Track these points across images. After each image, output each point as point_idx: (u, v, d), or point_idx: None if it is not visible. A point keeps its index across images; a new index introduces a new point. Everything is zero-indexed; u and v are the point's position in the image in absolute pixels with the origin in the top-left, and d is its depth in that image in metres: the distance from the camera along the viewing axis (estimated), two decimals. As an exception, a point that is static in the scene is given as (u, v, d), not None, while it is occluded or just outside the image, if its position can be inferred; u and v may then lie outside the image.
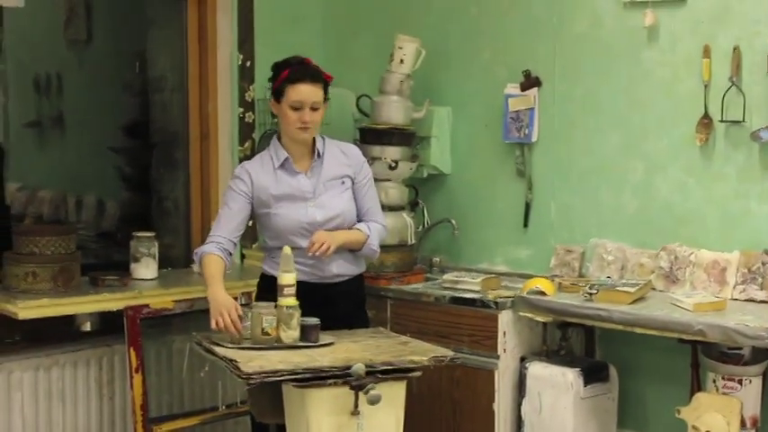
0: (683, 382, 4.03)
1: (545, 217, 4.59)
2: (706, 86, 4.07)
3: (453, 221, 4.82)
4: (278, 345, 3.47)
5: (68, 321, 4.29)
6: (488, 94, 4.72)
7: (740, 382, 3.75)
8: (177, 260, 4.96)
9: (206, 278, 3.66)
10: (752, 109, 3.96)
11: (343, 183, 3.81)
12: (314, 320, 3.53)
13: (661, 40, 4.21)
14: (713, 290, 4.00)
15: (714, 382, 3.79)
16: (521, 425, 4.16)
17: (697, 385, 3.95)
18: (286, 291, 3.51)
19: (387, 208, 4.41)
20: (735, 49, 3.99)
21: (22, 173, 6.59)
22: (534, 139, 4.58)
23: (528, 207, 4.63)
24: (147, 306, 4.15)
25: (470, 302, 4.25)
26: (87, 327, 4.39)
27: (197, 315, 4.15)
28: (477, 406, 4.20)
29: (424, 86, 4.82)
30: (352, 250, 3.83)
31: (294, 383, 3.26)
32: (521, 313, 4.13)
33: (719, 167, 4.09)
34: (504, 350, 4.16)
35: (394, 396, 3.36)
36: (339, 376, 3.26)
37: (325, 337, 3.55)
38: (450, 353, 3.55)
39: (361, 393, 3.25)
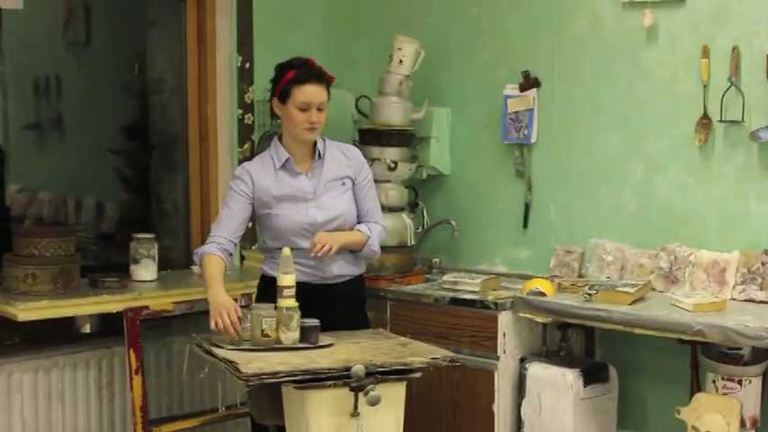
0: (682, 382, 4.03)
1: (544, 217, 4.59)
2: (705, 87, 4.07)
3: (453, 222, 4.82)
4: (277, 346, 3.47)
5: (68, 323, 4.29)
6: (488, 94, 4.72)
7: (740, 382, 3.74)
8: (177, 262, 4.96)
9: (206, 278, 3.66)
10: (751, 109, 3.96)
11: (343, 184, 3.82)
12: (313, 322, 3.53)
13: (660, 40, 4.21)
14: (713, 290, 4.00)
15: (714, 382, 3.79)
16: (520, 425, 4.16)
17: (697, 385, 3.94)
18: (285, 292, 3.51)
19: (386, 209, 4.41)
20: (734, 49, 3.99)
21: (22, 174, 6.59)
22: (533, 139, 4.58)
23: (527, 208, 4.63)
24: (146, 308, 4.15)
25: (470, 303, 4.25)
26: (87, 328, 4.39)
27: (197, 317, 4.15)
28: (477, 407, 4.20)
29: (424, 87, 4.82)
30: (352, 251, 3.84)
31: (294, 385, 3.26)
32: (520, 314, 4.13)
33: (719, 167, 4.09)
34: (504, 351, 4.16)
35: (394, 397, 3.36)
36: (339, 377, 3.26)
37: (324, 339, 3.55)
38: (449, 354, 3.55)
39: (360, 394, 3.25)
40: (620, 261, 4.30)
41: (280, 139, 3.83)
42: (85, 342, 4.37)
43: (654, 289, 4.13)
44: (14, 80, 6.78)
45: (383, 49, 4.77)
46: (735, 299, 3.96)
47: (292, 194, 3.76)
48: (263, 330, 3.47)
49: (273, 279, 3.60)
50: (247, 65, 5.02)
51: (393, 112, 4.69)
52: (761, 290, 3.93)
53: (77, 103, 6.39)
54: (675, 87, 4.18)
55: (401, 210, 4.74)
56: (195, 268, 4.63)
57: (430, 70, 4.80)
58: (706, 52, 4.06)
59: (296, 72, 3.71)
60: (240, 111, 5.01)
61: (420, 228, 4.86)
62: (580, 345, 4.39)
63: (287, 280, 3.51)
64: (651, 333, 3.77)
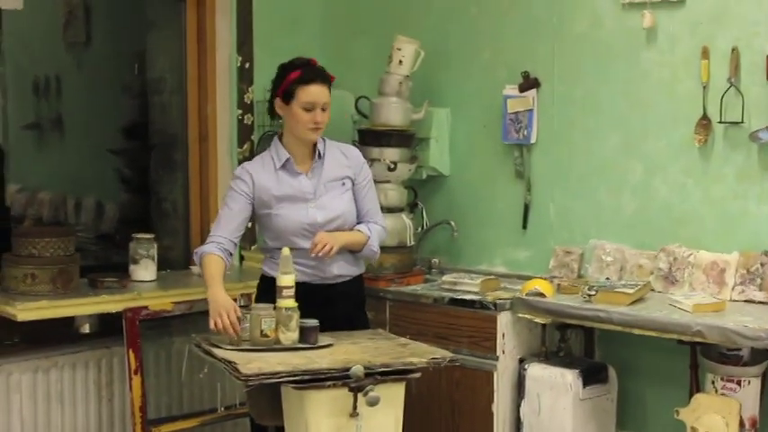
0: (681, 383, 4.03)
1: (544, 218, 4.59)
2: (705, 87, 4.07)
3: (452, 223, 4.82)
4: (277, 346, 3.47)
5: (67, 323, 4.29)
6: (487, 95, 4.72)
7: (739, 383, 3.74)
8: (176, 262, 4.96)
9: (206, 278, 3.66)
10: (750, 110, 3.96)
11: (343, 184, 3.82)
12: (313, 322, 3.53)
13: (660, 41, 4.21)
14: (712, 291, 4.00)
15: (713, 383, 3.79)
16: (520, 426, 4.16)
17: (696, 386, 3.94)
18: (285, 292, 3.51)
19: (386, 209, 4.40)
20: (733, 50, 3.99)
21: (22, 175, 6.60)
22: (533, 140, 4.58)
23: (527, 208, 4.63)
24: (145, 308, 4.15)
25: (469, 304, 4.24)
26: (86, 328, 4.39)
27: (196, 317, 4.15)
28: (476, 407, 4.20)
29: (423, 88, 4.82)
30: (352, 251, 3.84)
31: (293, 385, 3.26)
32: (520, 314, 4.13)
33: (718, 168, 4.09)
34: (503, 351, 4.16)
35: (393, 397, 3.36)
36: (338, 378, 3.26)
37: (323, 339, 3.55)
38: (449, 354, 3.55)
39: (360, 395, 3.25)
40: (620, 262, 4.30)
41: (280, 139, 3.83)
42: (85, 342, 4.36)
43: (653, 290, 4.13)
44: (14, 80, 6.79)
45: (383, 50, 4.77)
46: (734, 300, 3.95)
47: (292, 194, 3.76)
48: (262, 331, 3.47)
49: (273, 279, 3.60)
50: (247, 65, 5.02)
51: (392, 113, 4.69)
52: (760, 291, 3.93)
53: (77, 104, 6.39)
54: (675, 88, 4.18)
55: (400, 210, 4.74)
56: (194, 268, 4.64)
57: (429, 71, 4.80)
58: (705, 53, 4.06)
59: (300, 72, 3.72)
60: (240, 111, 5.01)
61: (419, 228, 4.86)
62: (579, 345, 4.39)
63: (286, 280, 3.51)
64: (650, 334, 3.77)
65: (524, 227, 4.64)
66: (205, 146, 4.97)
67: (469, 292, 4.33)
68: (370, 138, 4.70)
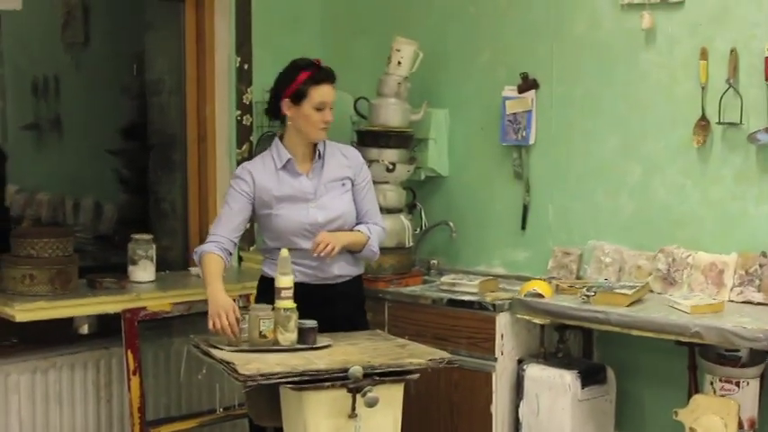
0: (680, 384, 4.03)
1: (543, 219, 4.59)
2: (703, 89, 4.07)
3: (451, 224, 4.82)
4: (275, 347, 3.47)
5: (66, 324, 4.28)
6: (486, 96, 4.72)
7: (738, 384, 3.74)
8: (175, 262, 4.96)
9: (205, 277, 3.66)
10: (749, 111, 3.97)
11: (343, 184, 3.83)
12: (311, 323, 3.53)
13: (658, 42, 4.21)
14: (711, 292, 4.00)
15: (711, 384, 3.79)
16: (518, 427, 4.16)
17: (694, 387, 3.95)
18: (283, 293, 3.51)
19: (384, 210, 4.40)
20: (732, 51, 4.00)
21: (21, 175, 6.60)
22: (532, 141, 4.58)
23: (525, 209, 4.63)
24: (144, 308, 4.15)
25: (468, 305, 4.24)
26: (85, 329, 4.39)
27: (195, 317, 4.15)
28: (475, 408, 4.20)
29: (422, 89, 4.82)
30: (352, 252, 3.84)
31: (292, 386, 3.26)
32: (518, 315, 4.13)
33: (717, 169, 4.09)
34: (502, 352, 4.16)
35: (391, 398, 3.36)
36: (337, 379, 3.26)
37: (322, 340, 3.55)
38: (447, 355, 3.55)
39: (358, 396, 3.25)
40: (618, 263, 4.30)
41: (280, 140, 3.84)
42: (83, 343, 4.36)
43: (652, 291, 4.13)
44: (13, 81, 6.79)
45: (382, 51, 4.78)
46: (732, 301, 3.95)
47: (293, 195, 3.76)
48: (260, 331, 3.47)
49: (273, 280, 3.60)
50: (246, 66, 5.02)
51: (391, 114, 4.69)
52: (758, 291, 3.93)
53: (76, 104, 6.39)
54: (674, 89, 4.18)
55: (399, 211, 4.74)
56: (193, 269, 4.64)
57: (428, 72, 4.80)
58: (704, 54, 4.06)
59: (311, 73, 3.74)
60: (238, 112, 5.01)
61: (418, 229, 4.86)
62: (578, 346, 4.39)
63: (285, 281, 3.51)
64: (649, 335, 3.77)
65: (523, 228, 4.65)
66: (204, 146, 4.97)
67: (468, 293, 4.33)
68: (368, 139, 4.70)
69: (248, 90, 5.03)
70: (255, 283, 3.99)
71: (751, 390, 3.77)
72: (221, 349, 3.47)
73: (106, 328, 4.33)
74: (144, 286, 4.36)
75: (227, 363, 3.34)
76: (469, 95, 4.81)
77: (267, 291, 3.67)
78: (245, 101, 5.02)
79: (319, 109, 3.73)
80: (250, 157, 4.81)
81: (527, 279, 4.35)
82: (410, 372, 3.40)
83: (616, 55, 4.33)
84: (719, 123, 4.03)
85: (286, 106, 3.76)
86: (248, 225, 3.92)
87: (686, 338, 3.68)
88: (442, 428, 4.30)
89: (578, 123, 4.46)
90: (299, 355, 3.42)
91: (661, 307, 3.88)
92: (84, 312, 4.19)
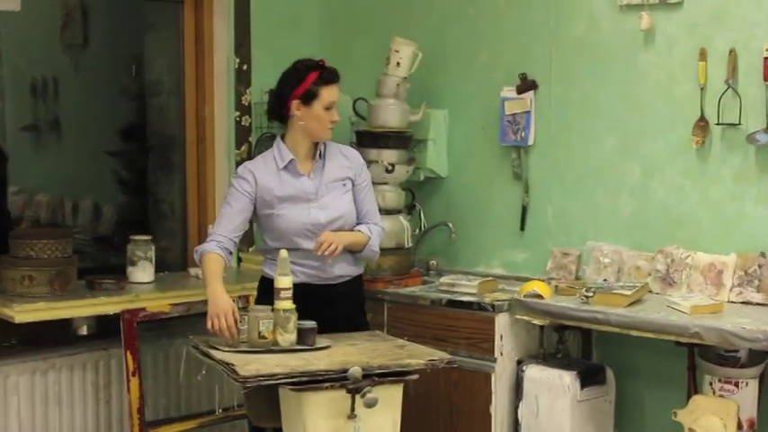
0: (679, 384, 4.03)
1: (542, 220, 4.59)
2: (702, 89, 4.07)
3: (450, 224, 4.82)
4: (275, 348, 3.47)
5: (65, 325, 4.29)
6: (485, 96, 4.72)
7: (737, 384, 3.75)
8: (174, 263, 4.96)
9: (205, 276, 3.66)
10: (748, 111, 3.97)
11: (344, 185, 3.84)
12: (311, 324, 3.53)
13: (657, 43, 4.21)
14: (710, 292, 4.00)
15: (711, 384, 3.79)
16: (518, 428, 4.16)
17: (694, 388, 3.95)
18: (282, 294, 3.51)
19: (384, 211, 4.40)
20: (731, 51, 4.00)
21: (19, 176, 6.57)
22: (531, 142, 4.58)
23: (524, 210, 4.63)
24: (143, 309, 4.15)
25: (467, 305, 4.24)
26: (84, 330, 4.39)
27: (194, 318, 4.15)
28: (474, 409, 4.20)
29: (421, 89, 4.82)
30: (352, 252, 3.85)
31: (291, 387, 3.26)
32: (517, 316, 4.13)
33: (716, 170, 4.09)
34: (501, 353, 4.16)
35: (391, 399, 3.36)
36: (336, 379, 3.26)
37: (321, 341, 3.55)
38: (446, 356, 3.55)
39: (357, 397, 3.25)
40: (617, 263, 4.30)
41: (282, 140, 3.84)
42: (82, 344, 4.36)
43: (651, 291, 4.13)
44: (12, 82, 6.77)
45: (381, 52, 4.78)
46: (732, 301, 3.95)
47: (295, 195, 3.77)
48: (260, 332, 3.47)
49: (273, 281, 3.60)
50: (245, 67, 5.02)
51: (390, 115, 4.70)
52: (758, 292, 3.93)
53: (75, 105, 6.38)
54: (672, 90, 4.18)
55: (398, 212, 4.74)
56: (193, 270, 4.64)
57: (427, 72, 4.80)
58: (703, 55, 4.06)
59: (320, 73, 3.76)
60: (237, 113, 5.01)
61: (417, 230, 4.86)
62: (577, 347, 4.39)
63: (284, 282, 3.52)
64: (648, 335, 3.77)
65: (522, 228, 4.65)
66: (203, 147, 4.98)
67: (467, 293, 4.33)
68: (367, 139, 4.70)
69: (247, 91, 5.03)
70: (254, 284, 4.00)
71: (750, 390, 3.77)
72: (220, 350, 3.47)
73: (105, 329, 4.33)
74: (143, 287, 4.36)
75: (227, 364, 3.34)
76: (468, 96, 4.81)
77: (268, 292, 3.67)
78: (243, 102, 5.02)
79: (328, 108, 3.75)
80: (249, 157, 4.81)
81: (526, 280, 4.35)
82: (409, 372, 3.40)
83: (615, 56, 4.34)
84: (718, 124, 4.03)
85: (295, 107, 3.76)
86: (248, 225, 3.92)
87: (686, 339, 3.68)
88: (442, 429, 4.30)
89: (577, 124, 4.47)
90: (298, 356, 3.42)
91: (660, 307, 3.88)
92: (84, 313, 4.19)
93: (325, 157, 3.83)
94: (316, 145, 3.83)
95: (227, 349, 3.47)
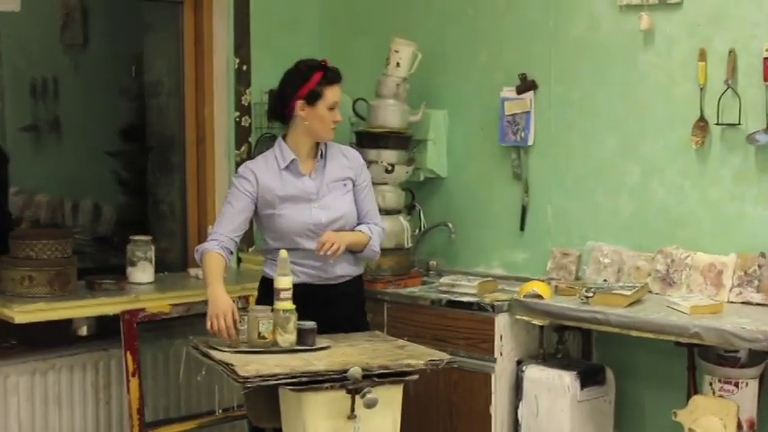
0: (679, 384, 4.03)
1: (541, 220, 4.59)
2: (702, 89, 4.07)
3: (450, 225, 4.82)
4: (274, 348, 3.47)
5: (65, 325, 4.28)
6: (485, 97, 4.72)
7: (737, 384, 3.75)
8: (174, 264, 4.96)
9: (206, 275, 3.67)
10: (747, 112, 3.97)
11: (345, 185, 3.85)
12: (310, 324, 3.53)
13: (657, 43, 4.21)
14: (710, 293, 4.00)
15: (711, 384, 3.79)
16: (518, 428, 4.16)
17: (694, 388, 3.95)
18: (282, 294, 3.51)
19: (383, 211, 4.40)
20: (730, 52, 4.00)
21: (19, 177, 6.57)
22: (530, 142, 4.58)
23: (524, 210, 4.63)
24: (143, 310, 4.15)
25: (467, 306, 4.24)
26: (84, 331, 4.38)
27: (194, 319, 4.15)
28: (474, 409, 4.20)
29: (421, 90, 4.82)
30: (353, 252, 3.85)
31: (291, 387, 3.26)
32: (517, 316, 4.13)
33: (715, 170, 4.09)
34: (501, 353, 4.16)
35: (391, 400, 3.36)
36: (336, 380, 3.26)
37: (321, 341, 3.55)
38: (446, 356, 3.55)
39: (357, 397, 3.24)
40: (617, 264, 4.30)
41: (284, 140, 3.84)
42: (82, 344, 4.36)
43: (651, 291, 4.13)
44: (11, 82, 6.77)
45: (380, 52, 4.78)
46: (731, 301, 3.95)
47: (296, 195, 3.78)
48: (259, 333, 3.47)
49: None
50: (244, 67, 5.02)
51: (390, 115, 4.70)
52: (757, 292, 3.93)
53: (75, 106, 6.38)
54: (672, 90, 4.18)
55: (398, 212, 4.74)
56: (192, 270, 4.65)
57: (427, 73, 4.80)
58: (703, 55, 4.06)
59: (324, 73, 3.78)
60: (237, 113, 5.01)
61: (417, 230, 4.86)
62: (577, 347, 4.39)
63: (284, 282, 3.52)
64: (648, 335, 3.77)
65: (522, 229, 4.65)
66: (202, 148, 4.98)
67: (467, 293, 4.33)
68: (367, 140, 4.70)
69: (247, 91, 5.03)
70: (254, 285, 4.00)
71: (750, 390, 3.77)
72: (220, 350, 3.47)
73: (105, 329, 4.33)
74: (143, 287, 4.36)
75: (227, 364, 3.34)
76: (468, 96, 4.81)
77: (269, 292, 3.66)
78: (243, 102, 5.03)
79: (331, 109, 3.77)
80: (249, 158, 4.81)
81: (526, 280, 4.36)
82: (409, 373, 3.40)
83: (614, 56, 4.34)
84: (718, 124, 4.03)
85: (299, 107, 3.77)
86: (248, 225, 3.92)
87: (685, 339, 3.68)
88: (442, 429, 4.30)
89: (577, 124, 4.47)
90: (298, 357, 3.42)
91: (660, 308, 3.87)
92: (83, 314, 4.19)
93: (326, 157, 3.84)
94: (317, 145, 3.83)
95: (226, 350, 3.47)
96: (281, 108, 3.82)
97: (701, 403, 3.74)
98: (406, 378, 3.39)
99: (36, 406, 4.20)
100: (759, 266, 3.94)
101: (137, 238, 4.47)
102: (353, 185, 3.87)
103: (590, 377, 4.11)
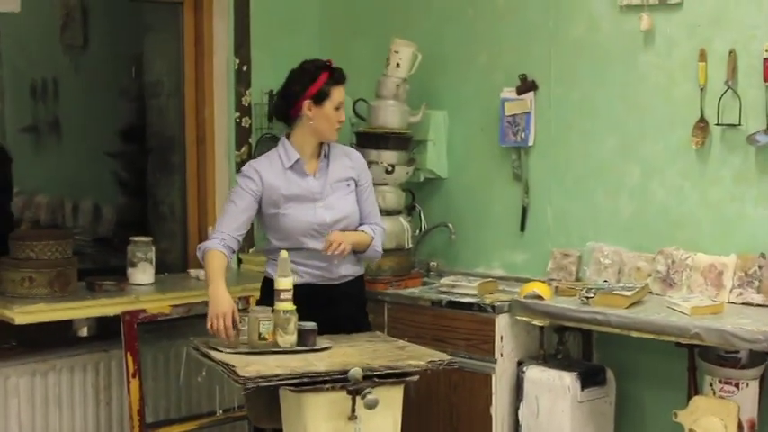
0: (680, 385, 4.03)
1: (542, 221, 4.59)
2: (702, 90, 4.07)
3: (450, 225, 4.82)
4: (275, 349, 3.47)
5: (65, 326, 4.28)
6: (485, 97, 4.72)
7: (737, 385, 3.75)
8: (174, 265, 4.96)
9: (207, 274, 3.67)
10: (747, 112, 3.97)
11: (348, 185, 3.86)
12: (311, 325, 3.53)
13: (657, 43, 4.21)
14: (710, 293, 4.00)
15: (711, 385, 3.79)
16: (518, 429, 4.16)
17: (694, 389, 3.95)
18: (283, 295, 3.51)
19: (384, 212, 4.40)
20: (730, 52, 4.00)
21: (19, 178, 6.57)
22: (531, 142, 4.58)
23: (525, 211, 4.63)
24: (143, 311, 4.15)
25: (467, 306, 4.24)
26: (84, 332, 4.38)
27: (194, 320, 4.15)
28: (475, 410, 4.20)
29: (421, 90, 4.82)
30: (356, 252, 3.86)
31: (291, 388, 3.26)
32: (518, 317, 4.13)
33: (716, 171, 4.09)
34: (502, 354, 4.16)
35: (391, 400, 3.36)
36: (336, 381, 3.26)
37: (322, 342, 3.55)
38: (447, 357, 3.55)
39: (358, 398, 3.24)
40: (618, 264, 4.30)
41: (288, 140, 3.84)
42: (83, 345, 4.36)
43: (651, 292, 4.13)
44: (11, 83, 6.76)
45: (381, 53, 4.78)
46: (732, 302, 3.95)
47: (300, 194, 3.78)
48: (260, 333, 3.47)
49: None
50: (245, 68, 5.02)
51: (390, 116, 4.70)
52: (758, 293, 3.93)
53: (74, 107, 6.38)
54: (672, 91, 4.18)
55: (398, 213, 4.74)
56: (192, 271, 4.65)
57: (427, 73, 4.80)
58: (703, 56, 4.06)
59: (330, 73, 3.79)
60: (237, 114, 5.01)
61: (417, 231, 4.86)
62: (577, 348, 4.39)
63: (284, 283, 3.51)
64: (648, 336, 3.77)
65: (522, 229, 4.65)
66: (202, 149, 4.98)
67: (467, 294, 4.33)
68: (367, 140, 4.70)
69: (247, 92, 5.03)
70: (255, 285, 4.01)
71: (751, 391, 3.77)
72: (221, 351, 3.47)
73: (105, 330, 4.33)
74: (143, 288, 4.36)
75: (227, 365, 3.34)
76: (468, 97, 4.81)
77: (271, 293, 3.65)
78: (243, 103, 5.03)
79: (337, 108, 3.79)
80: (249, 158, 4.80)
81: (526, 281, 4.36)
82: (410, 373, 3.40)
83: (614, 57, 4.34)
84: (718, 125, 4.03)
85: (307, 107, 3.77)
86: (250, 225, 3.92)
87: (686, 340, 3.68)
88: (442, 430, 4.30)
89: (577, 125, 4.47)
90: (298, 357, 3.42)
91: (660, 308, 3.88)
92: (84, 315, 4.19)
93: (329, 158, 3.85)
94: (320, 145, 3.84)
95: (227, 350, 3.47)
96: (286, 108, 3.83)
97: (702, 404, 3.74)
98: (407, 379, 3.39)
99: (36, 407, 4.20)
100: (759, 267, 3.94)
101: (137, 239, 4.47)
102: (356, 186, 3.88)
103: (590, 378, 4.11)
